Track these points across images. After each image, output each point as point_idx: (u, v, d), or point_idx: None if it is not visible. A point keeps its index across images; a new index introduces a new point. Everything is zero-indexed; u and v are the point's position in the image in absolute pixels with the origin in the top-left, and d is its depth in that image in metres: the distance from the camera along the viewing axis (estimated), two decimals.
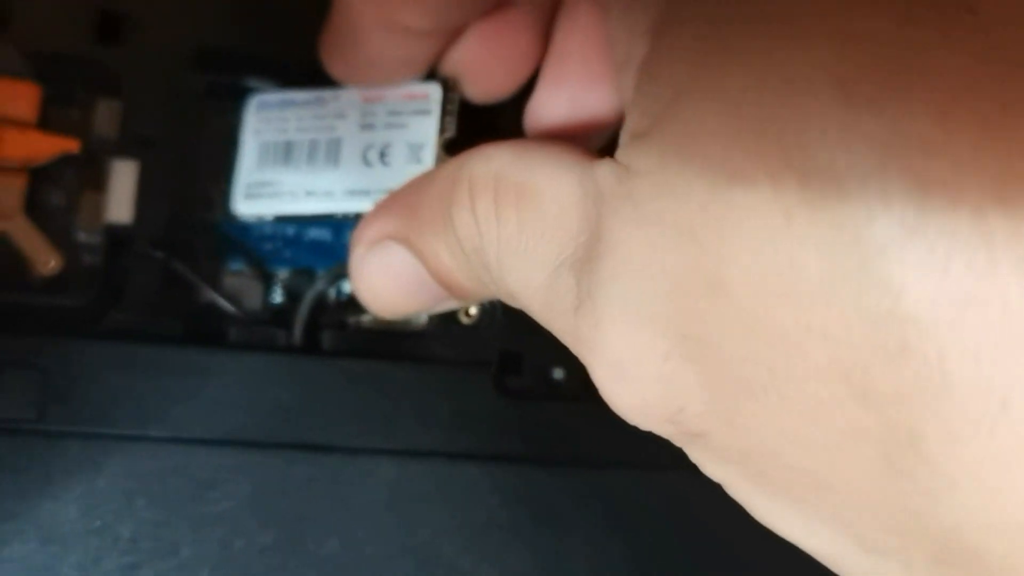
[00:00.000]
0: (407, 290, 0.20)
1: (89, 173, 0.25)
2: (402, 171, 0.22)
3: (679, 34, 0.13)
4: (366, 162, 0.23)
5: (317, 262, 0.26)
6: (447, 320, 0.25)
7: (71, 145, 0.25)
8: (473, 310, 0.25)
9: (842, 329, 0.11)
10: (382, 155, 0.22)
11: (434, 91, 0.22)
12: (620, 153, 0.14)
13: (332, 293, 0.25)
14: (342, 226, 0.26)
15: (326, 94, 0.23)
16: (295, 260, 0.26)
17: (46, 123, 0.25)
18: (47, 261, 0.24)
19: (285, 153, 0.24)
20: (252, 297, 0.25)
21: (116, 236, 0.24)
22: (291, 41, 0.24)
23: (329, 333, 0.24)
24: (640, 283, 0.13)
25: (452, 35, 0.21)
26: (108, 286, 0.23)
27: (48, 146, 0.25)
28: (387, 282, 0.20)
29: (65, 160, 0.25)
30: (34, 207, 0.25)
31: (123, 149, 0.24)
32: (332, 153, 0.23)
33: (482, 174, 0.17)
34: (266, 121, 0.24)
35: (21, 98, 0.25)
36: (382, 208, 0.20)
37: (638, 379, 0.14)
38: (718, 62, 0.12)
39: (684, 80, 0.12)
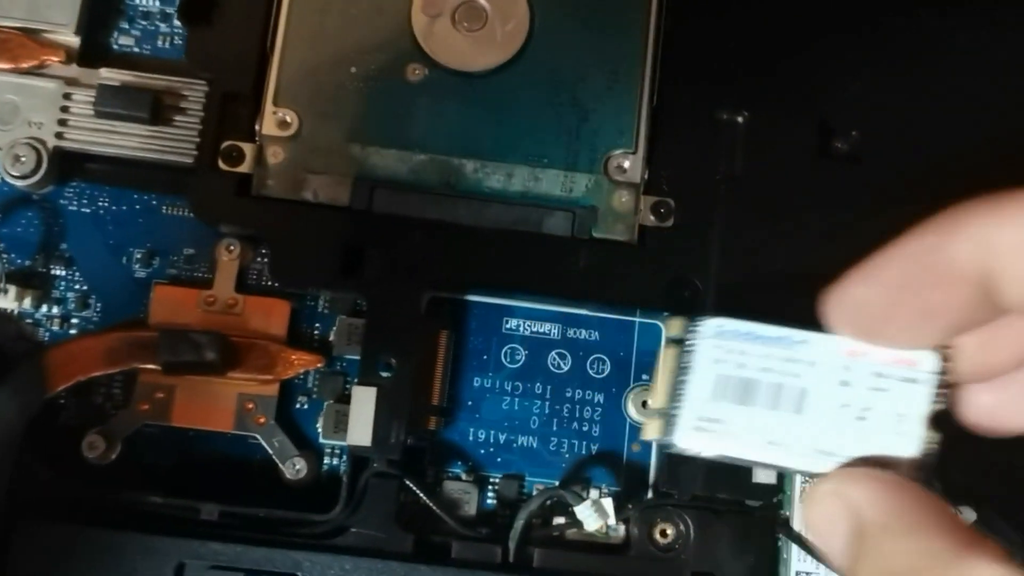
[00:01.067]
0: (839, 541, 0.19)
1: (331, 384, 0.28)
2: (879, 440, 0.21)
3: None
4: (838, 422, 0.21)
5: (526, 468, 0.29)
6: (645, 541, 0.27)
7: (316, 362, 0.28)
8: (670, 531, 0.27)
9: None
10: (859, 418, 0.21)
11: (926, 360, 0.20)
12: None
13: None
14: (547, 435, 0.29)
15: (796, 335, 0.21)
16: (506, 465, 0.29)
17: (294, 338, 0.29)
18: (294, 464, 0.28)
19: (743, 391, 0.21)
20: (468, 503, 0.28)
21: (357, 457, 0.27)
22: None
23: (539, 552, 0.27)
24: None
25: None
26: (350, 501, 0.27)
27: (298, 362, 0.28)
28: (826, 531, 0.19)
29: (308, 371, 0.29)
30: (280, 414, 0.28)
31: (362, 375, 0.27)
32: (797, 402, 0.21)
33: None
34: (725, 351, 0.22)
35: (275, 314, 0.29)
36: (867, 491, 0.19)
37: None
38: None
39: None
